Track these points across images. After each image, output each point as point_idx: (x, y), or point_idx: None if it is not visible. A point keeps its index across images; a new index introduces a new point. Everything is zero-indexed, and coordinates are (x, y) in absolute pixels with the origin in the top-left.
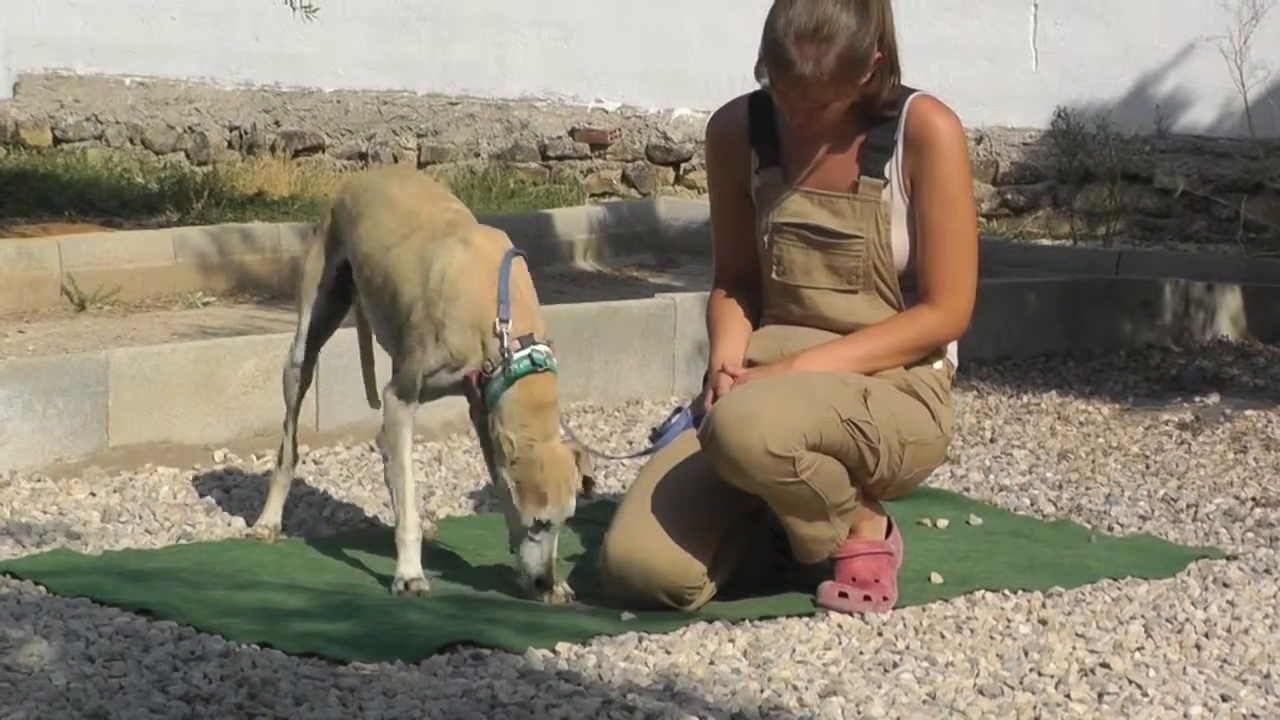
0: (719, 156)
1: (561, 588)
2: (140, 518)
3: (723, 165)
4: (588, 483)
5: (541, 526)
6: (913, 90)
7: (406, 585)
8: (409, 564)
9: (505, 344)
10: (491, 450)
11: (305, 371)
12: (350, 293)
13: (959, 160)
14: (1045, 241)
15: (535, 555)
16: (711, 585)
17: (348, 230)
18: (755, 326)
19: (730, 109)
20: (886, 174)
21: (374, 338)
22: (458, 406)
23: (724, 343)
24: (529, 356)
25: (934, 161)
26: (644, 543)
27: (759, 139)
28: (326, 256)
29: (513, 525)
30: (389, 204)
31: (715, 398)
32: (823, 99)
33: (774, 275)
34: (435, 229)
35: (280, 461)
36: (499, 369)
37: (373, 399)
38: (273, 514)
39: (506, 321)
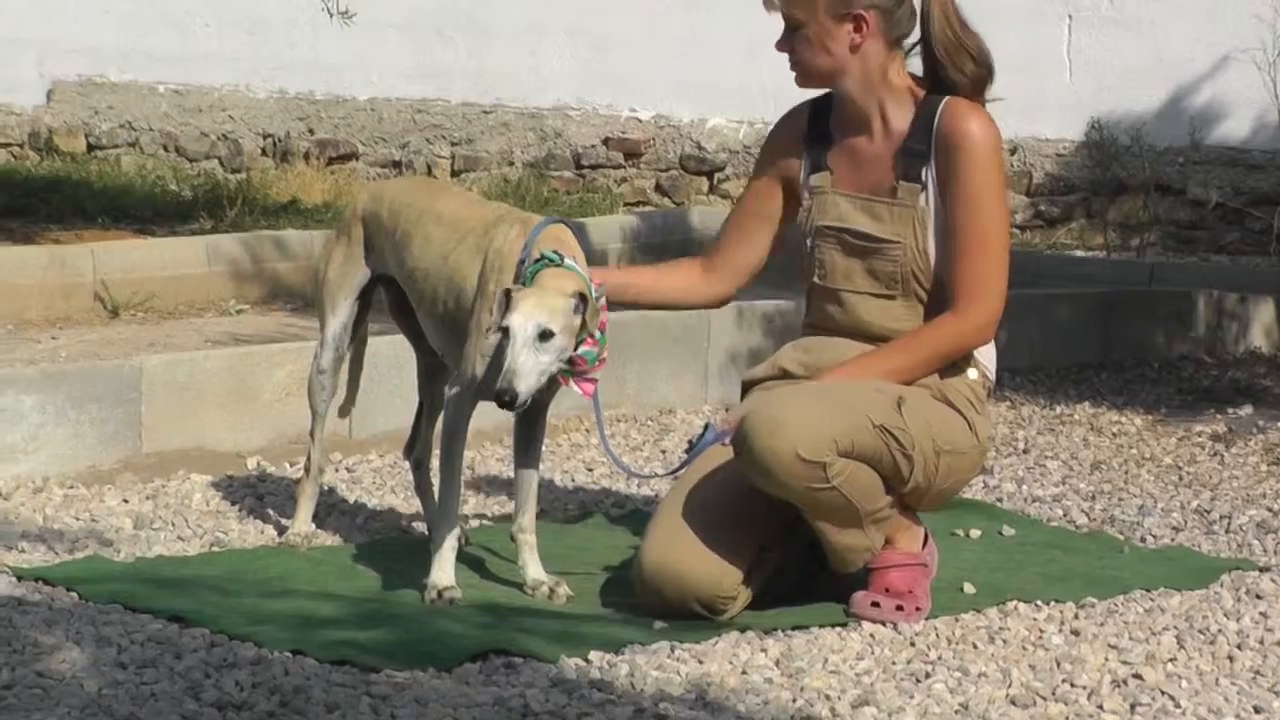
0: (775, 149)
1: (563, 588)
2: (173, 525)
3: (773, 161)
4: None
5: (506, 333)
6: (947, 94)
7: (439, 593)
8: (442, 571)
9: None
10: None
11: (332, 378)
12: (371, 301)
13: (987, 162)
14: (1079, 253)
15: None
16: (746, 595)
17: (391, 247)
18: (675, 301)
19: (796, 111)
20: (923, 178)
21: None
22: (491, 415)
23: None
24: (543, 257)
25: (960, 164)
26: (678, 552)
27: (813, 142)
28: (355, 264)
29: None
30: (436, 219)
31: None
32: (796, 17)
33: (816, 279)
34: (486, 223)
35: (308, 470)
36: (522, 282)
37: (347, 408)
38: (303, 522)
39: (524, 261)
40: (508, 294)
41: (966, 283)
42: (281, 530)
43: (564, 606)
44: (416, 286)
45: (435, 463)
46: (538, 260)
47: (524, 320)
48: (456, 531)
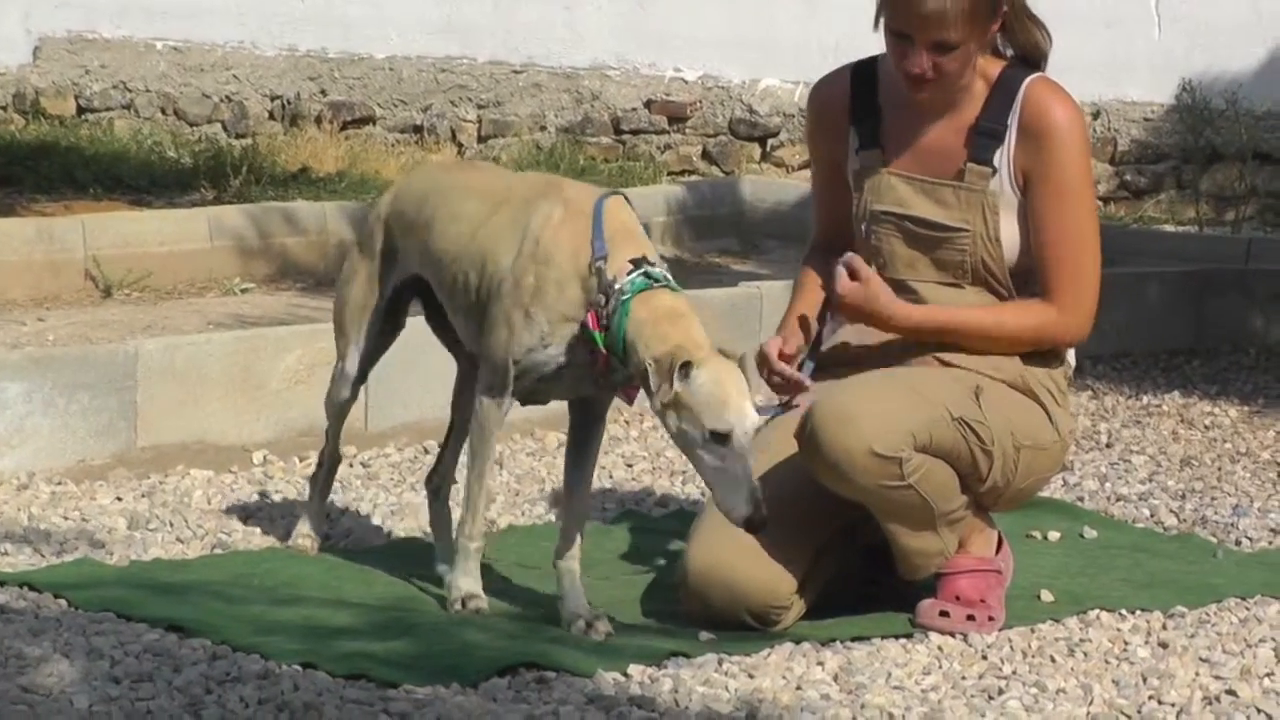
0: (817, 131)
1: (603, 624)
2: (171, 525)
3: (821, 140)
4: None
5: (719, 439)
6: (1030, 71)
7: (463, 602)
8: (468, 576)
9: (607, 275)
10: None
11: (351, 402)
12: (403, 316)
13: (1079, 153)
14: (1168, 227)
15: (729, 484)
16: (800, 604)
17: (416, 238)
18: None
19: (832, 80)
20: (996, 162)
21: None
22: (520, 409)
23: (799, 298)
24: (643, 274)
25: (1051, 154)
26: (727, 556)
27: (860, 117)
28: (381, 278)
29: (692, 454)
30: (465, 192)
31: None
32: (950, 39)
33: (873, 268)
34: (523, 195)
35: (322, 462)
36: (612, 299)
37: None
38: (315, 521)
39: (604, 257)
40: (687, 367)
41: (1061, 281)
42: (290, 532)
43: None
44: (443, 273)
45: (457, 494)
46: (634, 276)
47: (748, 423)
48: (482, 534)
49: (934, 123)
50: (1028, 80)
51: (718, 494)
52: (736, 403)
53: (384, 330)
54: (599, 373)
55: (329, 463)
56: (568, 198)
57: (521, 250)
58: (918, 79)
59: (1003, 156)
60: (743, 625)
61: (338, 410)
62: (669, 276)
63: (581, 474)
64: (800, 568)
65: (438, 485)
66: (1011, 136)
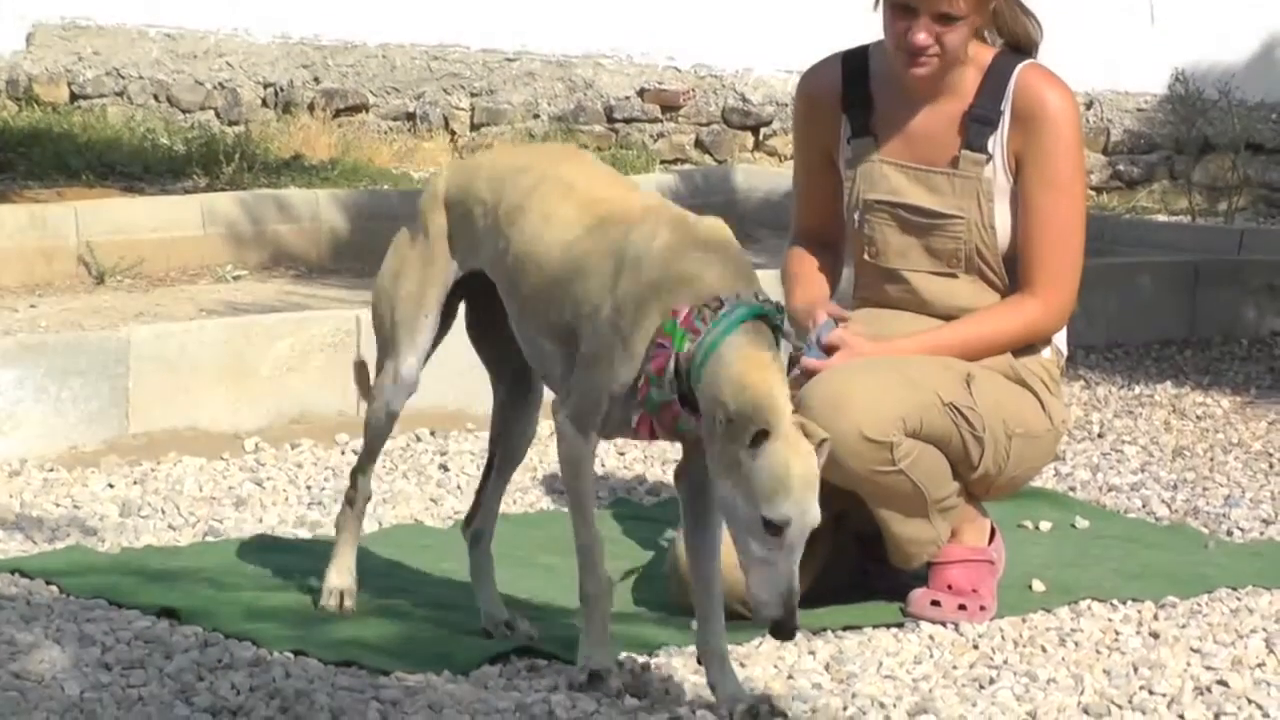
0: (808, 119)
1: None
2: (163, 512)
3: (811, 128)
4: None
5: (771, 528)
6: (1022, 58)
7: (591, 676)
8: (600, 647)
9: (700, 311)
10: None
11: (395, 421)
12: (452, 316)
13: (1072, 140)
14: (1160, 217)
15: (770, 581)
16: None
17: (488, 227)
18: (832, 287)
19: (823, 68)
20: (990, 148)
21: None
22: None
23: (801, 289)
24: (744, 304)
25: (1044, 141)
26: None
27: (852, 105)
28: (439, 265)
29: (736, 529)
30: (562, 190)
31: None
32: (955, 9)
33: (866, 256)
34: (630, 215)
35: (350, 500)
36: (703, 336)
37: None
38: (345, 574)
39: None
40: (761, 437)
41: (1046, 269)
42: (283, 517)
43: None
44: (521, 279)
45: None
46: (730, 311)
47: (808, 519)
48: (608, 589)
49: (927, 110)
50: (1020, 66)
51: (751, 582)
52: (800, 495)
53: (442, 322)
54: (672, 416)
55: (361, 500)
56: (675, 220)
57: (620, 281)
58: (919, 52)
59: (997, 143)
60: (734, 614)
61: (382, 429)
62: (778, 312)
63: (708, 546)
64: None
65: (479, 529)
66: (1005, 122)
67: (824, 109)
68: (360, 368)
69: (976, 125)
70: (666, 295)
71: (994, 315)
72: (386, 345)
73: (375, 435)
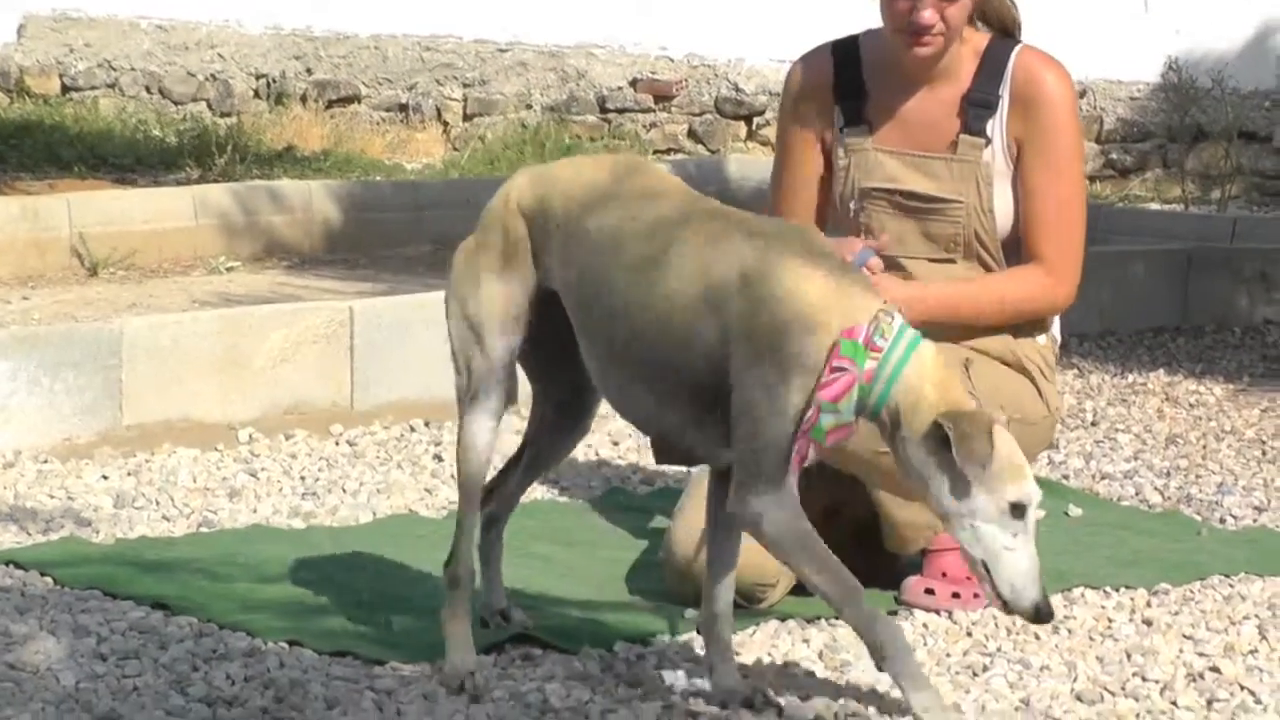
0: (797, 109)
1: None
2: (157, 503)
3: (801, 117)
4: None
5: (1018, 512)
6: (1017, 42)
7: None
8: (919, 692)
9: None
10: None
11: (492, 447)
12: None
13: (1071, 121)
14: (1154, 206)
15: (1022, 566)
16: (787, 581)
17: (567, 251)
18: None
19: (813, 58)
20: (989, 132)
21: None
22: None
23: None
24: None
25: (1044, 122)
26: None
27: (844, 95)
28: (520, 273)
29: (971, 529)
30: (678, 220)
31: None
32: None
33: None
34: (754, 240)
35: (457, 584)
36: (886, 352)
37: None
38: (467, 653)
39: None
40: (987, 438)
41: (1051, 248)
42: (277, 507)
43: (589, 594)
44: (626, 317)
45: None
46: (900, 324)
47: (1038, 497)
48: (892, 626)
49: (923, 95)
50: (1017, 49)
51: (1003, 576)
52: (1029, 473)
53: (523, 344)
54: (841, 438)
55: (467, 578)
56: (793, 242)
57: (759, 314)
58: (924, 31)
59: (996, 126)
60: (763, 589)
61: (477, 473)
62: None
63: (734, 544)
64: None
65: (493, 514)
66: (1004, 106)
67: (815, 99)
68: None
69: (975, 109)
70: (827, 320)
71: (1010, 277)
72: (464, 367)
73: (476, 466)
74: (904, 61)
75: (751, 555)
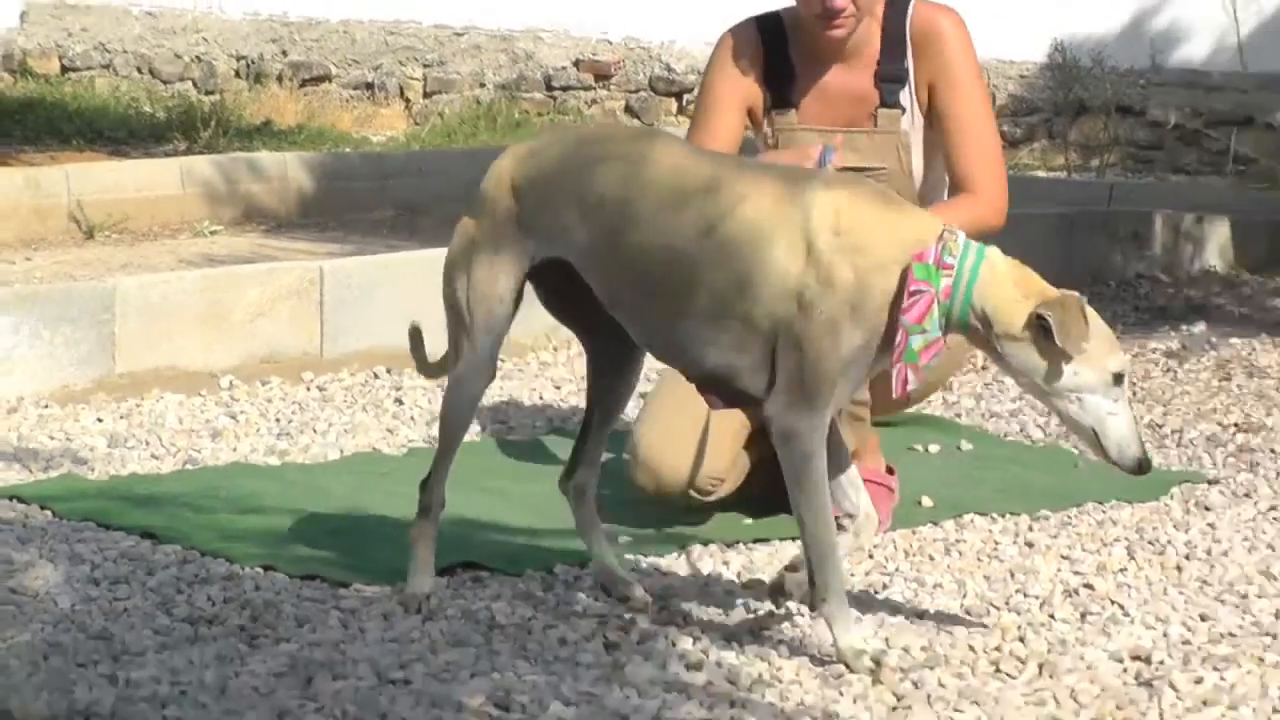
0: (729, 76)
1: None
2: (146, 443)
3: (731, 85)
4: None
5: (1119, 378)
6: (908, 2)
7: (875, 662)
8: (848, 634)
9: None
10: None
11: (474, 407)
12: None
13: (967, 49)
14: (1040, 173)
15: (1125, 428)
16: (733, 478)
17: (573, 217)
18: None
19: (744, 34)
20: (903, 102)
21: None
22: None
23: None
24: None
25: (944, 55)
26: (675, 432)
27: (772, 76)
28: (512, 251)
29: (1079, 404)
30: (672, 172)
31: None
32: None
33: None
34: (777, 185)
35: (427, 512)
36: (958, 266)
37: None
38: (426, 577)
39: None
40: (1083, 318)
41: (977, 168)
42: (255, 447)
43: (531, 522)
44: (645, 273)
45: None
46: (960, 238)
47: (1129, 363)
48: (842, 576)
49: (840, 72)
50: (911, 6)
51: (1111, 438)
52: (1119, 345)
53: (514, 310)
54: (933, 355)
55: (436, 508)
56: (836, 179)
57: (816, 247)
58: (837, 14)
59: (907, 94)
60: (684, 496)
61: (464, 416)
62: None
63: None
64: (733, 446)
65: (580, 483)
66: (909, 64)
67: (745, 74)
68: (415, 334)
69: (888, 84)
70: (898, 248)
71: (948, 208)
72: (459, 332)
73: (456, 425)
74: (819, 41)
75: (703, 454)
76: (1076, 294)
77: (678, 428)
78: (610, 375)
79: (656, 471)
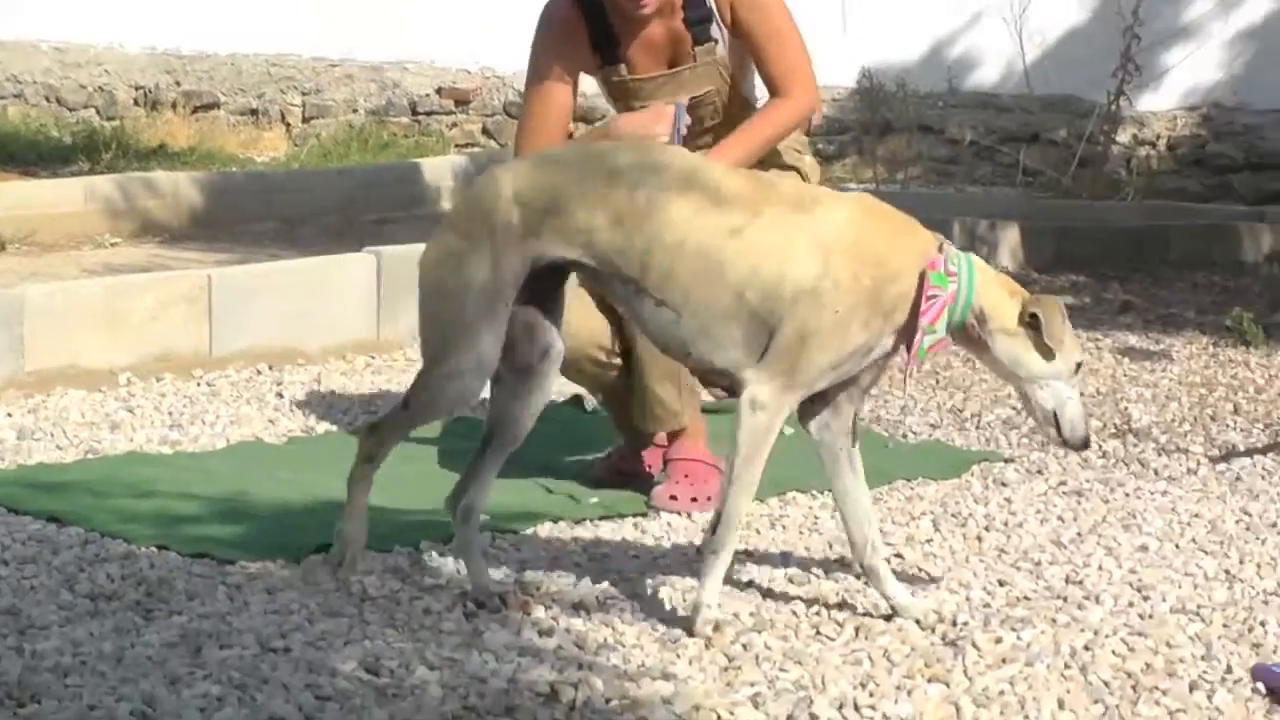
0: (558, 48)
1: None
2: (52, 435)
3: (560, 56)
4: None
5: (1078, 370)
6: None
7: (714, 627)
8: (710, 591)
9: (948, 255)
10: None
11: (474, 399)
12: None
13: None
14: (852, 185)
15: (1078, 411)
16: (622, 367)
17: (580, 221)
18: None
19: (563, 10)
20: (714, 35)
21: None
22: (341, 332)
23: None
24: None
25: None
26: (578, 319)
27: (598, 43)
28: (514, 260)
29: (1046, 389)
30: (683, 180)
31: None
32: None
33: None
34: (792, 201)
35: (372, 460)
36: (959, 273)
37: None
38: (360, 527)
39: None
40: (1064, 317)
41: (782, 71)
42: (150, 437)
43: (402, 503)
44: (670, 272)
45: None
46: (949, 247)
47: (1083, 355)
48: (733, 547)
49: (656, 27)
50: None
51: (1066, 419)
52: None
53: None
54: (937, 352)
55: (380, 459)
56: (852, 198)
57: (834, 257)
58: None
59: (716, 27)
60: (593, 364)
61: (448, 409)
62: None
63: (856, 475)
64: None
65: (467, 506)
66: (711, 2)
67: (573, 40)
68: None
69: (696, 26)
70: (912, 257)
71: (766, 117)
72: (459, 329)
73: (435, 412)
74: (633, 16)
75: (596, 330)
76: (1055, 297)
77: (579, 312)
78: (521, 396)
79: (584, 367)
